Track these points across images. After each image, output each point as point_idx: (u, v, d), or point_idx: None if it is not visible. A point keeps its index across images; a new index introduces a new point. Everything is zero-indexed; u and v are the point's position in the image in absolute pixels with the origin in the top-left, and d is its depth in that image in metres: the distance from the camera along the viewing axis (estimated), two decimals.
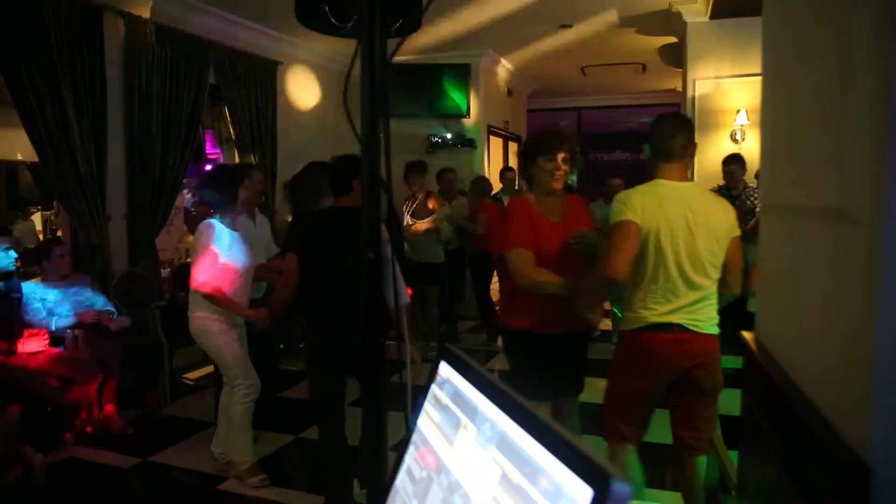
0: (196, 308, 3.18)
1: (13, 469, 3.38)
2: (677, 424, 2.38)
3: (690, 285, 2.20)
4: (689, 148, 2.31)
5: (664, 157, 2.29)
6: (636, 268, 2.21)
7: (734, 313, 2.51)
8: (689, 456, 2.36)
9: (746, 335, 1.08)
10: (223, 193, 3.19)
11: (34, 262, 4.27)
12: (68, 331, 3.89)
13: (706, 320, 2.23)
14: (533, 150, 2.59)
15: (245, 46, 5.91)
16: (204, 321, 3.16)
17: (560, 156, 2.52)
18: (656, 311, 2.22)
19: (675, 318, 2.20)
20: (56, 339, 3.87)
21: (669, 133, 2.29)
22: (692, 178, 5.79)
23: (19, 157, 6.43)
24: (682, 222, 2.18)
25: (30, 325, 3.75)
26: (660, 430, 2.55)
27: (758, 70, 1.18)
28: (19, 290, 3.79)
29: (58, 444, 3.64)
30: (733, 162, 4.81)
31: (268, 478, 3.26)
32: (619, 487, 0.46)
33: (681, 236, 2.17)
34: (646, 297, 2.24)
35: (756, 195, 4.64)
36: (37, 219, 6.86)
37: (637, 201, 2.22)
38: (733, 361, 2.31)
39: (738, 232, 2.26)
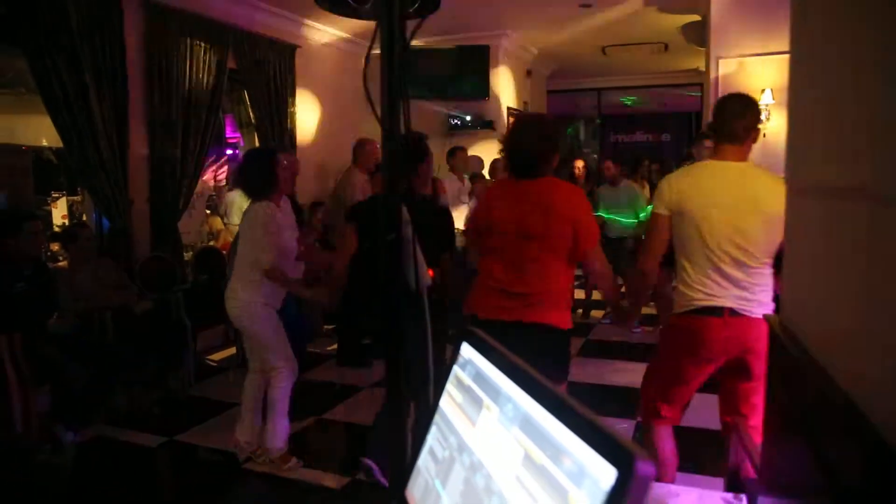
0: (243, 291, 3.12)
1: (45, 447, 3.47)
2: (724, 410, 2.36)
3: (740, 267, 2.15)
4: (753, 132, 2.25)
5: (727, 138, 2.23)
6: (682, 251, 2.21)
7: None
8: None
9: (771, 318, 1.07)
10: (265, 176, 3.11)
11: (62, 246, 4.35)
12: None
13: (758, 304, 2.17)
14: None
15: (263, 30, 5.92)
16: (253, 305, 3.10)
17: None
18: (705, 293, 2.18)
19: (725, 302, 2.16)
20: (84, 322, 3.95)
21: (737, 113, 2.22)
22: None
23: (45, 143, 6.54)
24: (730, 202, 2.14)
25: (58, 309, 3.83)
26: (702, 413, 2.57)
27: (784, 48, 1.15)
28: (47, 274, 3.87)
29: (87, 424, 3.73)
30: None
31: (300, 461, 3.27)
32: (644, 467, 0.46)
33: (727, 217, 2.13)
34: (693, 280, 2.20)
35: None
36: (62, 204, 6.97)
37: (671, 187, 2.21)
38: None
39: None
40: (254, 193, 3.17)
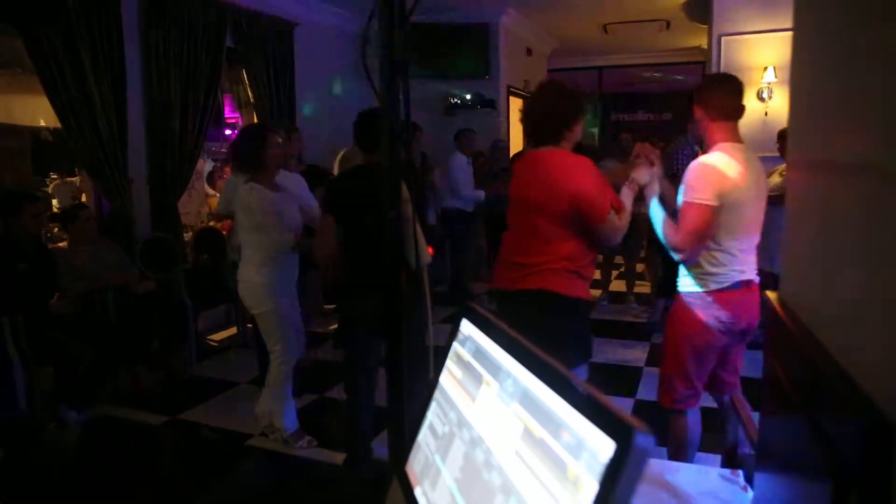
0: (247, 273, 3.13)
1: (49, 426, 3.51)
2: (724, 370, 2.48)
3: (753, 244, 2.32)
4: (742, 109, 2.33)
5: (734, 116, 2.26)
6: (725, 232, 2.24)
7: None
8: (730, 393, 2.48)
9: (770, 295, 1.07)
10: (252, 153, 3.11)
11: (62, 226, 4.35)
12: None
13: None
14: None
15: (261, 7, 5.85)
16: (257, 288, 3.11)
17: None
18: (742, 270, 2.28)
19: (752, 275, 2.32)
20: (86, 302, 3.96)
21: (739, 91, 2.27)
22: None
23: (42, 124, 6.49)
24: (755, 187, 2.24)
25: (59, 289, 3.84)
26: None
27: (787, 25, 1.14)
28: (48, 254, 3.88)
29: (91, 403, 3.76)
30: None
31: (313, 440, 3.31)
32: (642, 440, 0.47)
33: (753, 200, 2.25)
34: (733, 258, 2.26)
35: None
36: (52, 186, 6.94)
37: (724, 179, 2.19)
38: None
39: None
40: (242, 169, 3.23)
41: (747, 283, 2.30)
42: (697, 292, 2.31)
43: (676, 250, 2.28)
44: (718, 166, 2.20)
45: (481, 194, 6.04)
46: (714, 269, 2.28)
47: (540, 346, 0.66)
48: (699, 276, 2.31)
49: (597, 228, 2.30)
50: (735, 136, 2.26)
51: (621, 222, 2.34)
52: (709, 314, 2.31)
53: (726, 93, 2.26)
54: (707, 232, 2.22)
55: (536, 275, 2.32)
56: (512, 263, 2.40)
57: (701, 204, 2.18)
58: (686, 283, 2.36)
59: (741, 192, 2.19)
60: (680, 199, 2.29)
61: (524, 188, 2.40)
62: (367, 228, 2.50)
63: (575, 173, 2.31)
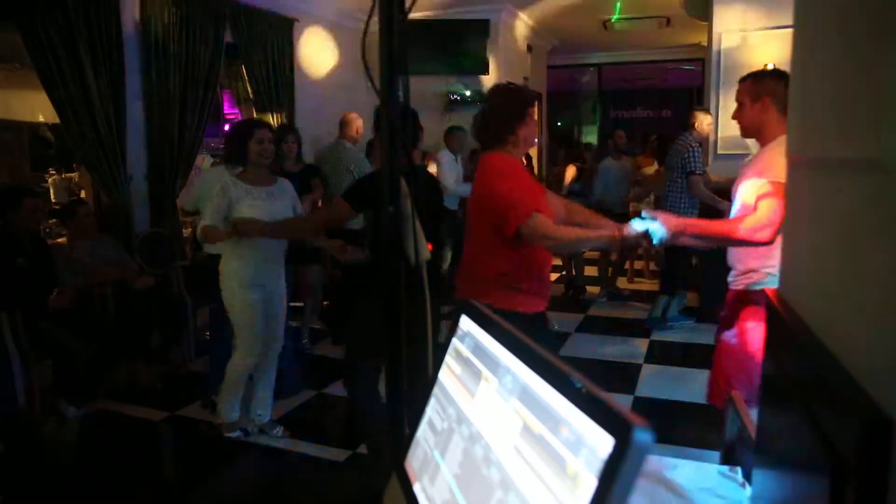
0: (222, 261, 3.16)
1: (48, 422, 3.51)
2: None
3: None
4: None
5: (786, 111, 2.20)
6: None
7: None
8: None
9: (769, 291, 1.07)
10: (234, 147, 3.17)
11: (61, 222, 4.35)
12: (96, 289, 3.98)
13: None
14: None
15: (261, 3, 5.84)
16: (222, 276, 3.15)
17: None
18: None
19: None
20: (85, 298, 3.96)
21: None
22: (717, 137, 5.71)
23: (41, 119, 6.48)
24: None
25: (58, 284, 3.84)
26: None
27: (787, 21, 1.14)
28: (46, 250, 3.87)
29: (90, 399, 3.76)
30: None
31: (285, 431, 3.38)
32: (641, 436, 0.47)
33: None
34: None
35: None
36: (51, 181, 6.94)
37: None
38: None
39: None
40: (228, 161, 3.30)
41: None
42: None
43: (767, 237, 2.09)
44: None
45: (467, 189, 6.03)
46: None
47: None
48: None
49: (524, 231, 2.11)
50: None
51: (554, 234, 2.12)
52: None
53: (784, 83, 2.15)
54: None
55: (465, 287, 2.29)
56: (463, 274, 2.37)
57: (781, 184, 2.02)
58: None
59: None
60: (755, 184, 2.16)
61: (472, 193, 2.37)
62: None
63: (486, 175, 2.24)
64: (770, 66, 5.54)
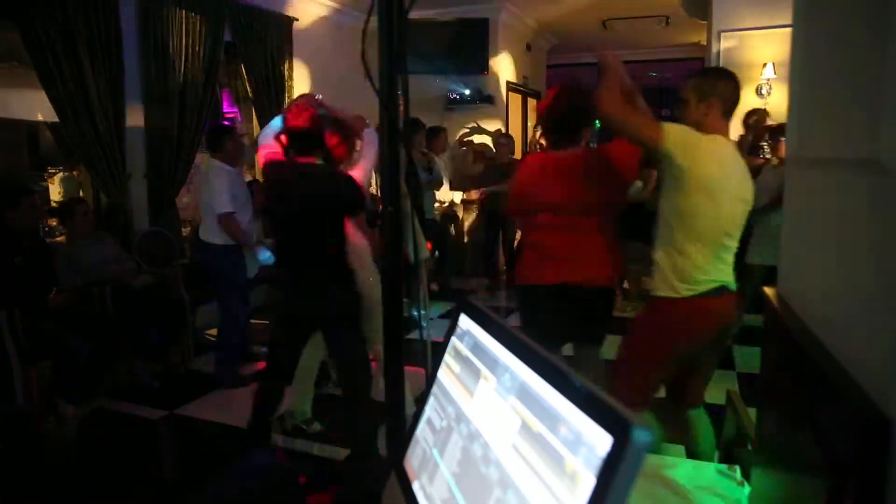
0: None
1: (47, 420, 3.50)
2: (694, 379, 2.32)
3: (732, 245, 2.13)
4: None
5: (729, 113, 2.13)
6: (699, 234, 2.06)
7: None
8: (695, 407, 2.35)
9: (768, 290, 1.08)
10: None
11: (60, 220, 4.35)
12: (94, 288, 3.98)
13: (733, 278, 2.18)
14: None
15: (260, 2, 5.83)
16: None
17: None
18: (715, 276, 2.10)
19: (727, 280, 2.13)
20: (84, 296, 3.96)
21: (737, 85, 2.13)
22: None
23: (40, 118, 6.47)
24: (738, 184, 2.07)
25: (56, 283, 3.84)
26: None
27: (786, 21, 1.14)
28: (45, 248, 3.87)
29: (89, 398, 3.76)
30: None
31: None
32: (640, 435, 0.47)
33: (735, 198, 2.06)
34: (705, 260, 2.08)
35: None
36: (59, 179, 6.93)
37: (710, 163, 2.03)
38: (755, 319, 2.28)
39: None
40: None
41: (721, 290, 2.11)
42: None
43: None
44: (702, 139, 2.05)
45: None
46: (687, 272, 2.10)
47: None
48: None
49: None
50: (725, 132, 2.14)
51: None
52: (673, 320, 2.17)
53: (735, 88, 2.14)
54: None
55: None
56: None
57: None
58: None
59: (716, 181, 2.02)
60: None
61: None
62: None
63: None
64: (769, 66, 5.56)
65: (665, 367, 2.23)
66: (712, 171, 2.01)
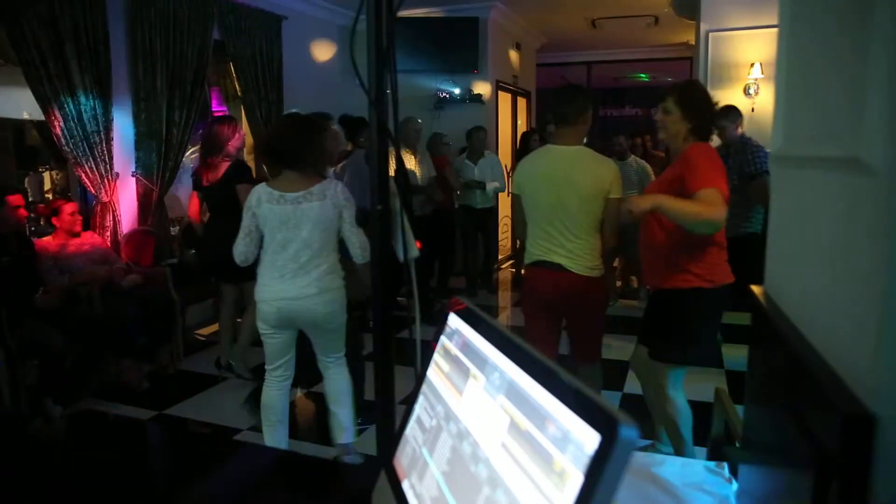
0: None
1: (34, 421, 3.47)
2: (576, 340, 2.90)
3: (569, 232, 2.65)
4: (583, 115, 2.73)
5: (560, 121, 2.76)
6: (528, 218, 2.77)
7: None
8: (589, 364, 2.89)
9: (755, 289, 1.08)
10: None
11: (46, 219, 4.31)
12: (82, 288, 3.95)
13: (582, 263, 2.67)
14: None
15: (249, 0, 5.80)
16: None
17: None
18: (538, 251, 2.72)
19: (554, 258, 2.68)
20: (71, 296, 3.92)
21: (565, 99, 2.75)
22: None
23: (26, 116, 6.40)
24: (555, 181, 2.63)
25: (43, 283, 3.80)
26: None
27: (774, 20, 1.15)
28: (31, 248, 3.83)
29: (77, 398, 3.73)
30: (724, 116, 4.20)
31: None
32: (627, 432, 0.47)
33: (552, 193, 2.64)
34: (533, 240, 2.75)
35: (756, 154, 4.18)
36: (46, 178, 6.86)
37: (518, 174, 2.82)
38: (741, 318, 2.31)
39: (614, 194, 2.64)
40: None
41: (545, 264, 2.70)
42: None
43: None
44: (520, 164, 2.94)
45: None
46: (526, 247, 2.89)
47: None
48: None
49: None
50: (566, 138, 2.79)
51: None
52: (523, 288, 2.99)
53: (553, 102, 2.98)
54: (518, 218, 2.90)
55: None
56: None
57: (513, 194, 2.97)
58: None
59: (526, 184, 2.75)
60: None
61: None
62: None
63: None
64: (756, 65, 5.60)
65: (533, 323, 2.87)
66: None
